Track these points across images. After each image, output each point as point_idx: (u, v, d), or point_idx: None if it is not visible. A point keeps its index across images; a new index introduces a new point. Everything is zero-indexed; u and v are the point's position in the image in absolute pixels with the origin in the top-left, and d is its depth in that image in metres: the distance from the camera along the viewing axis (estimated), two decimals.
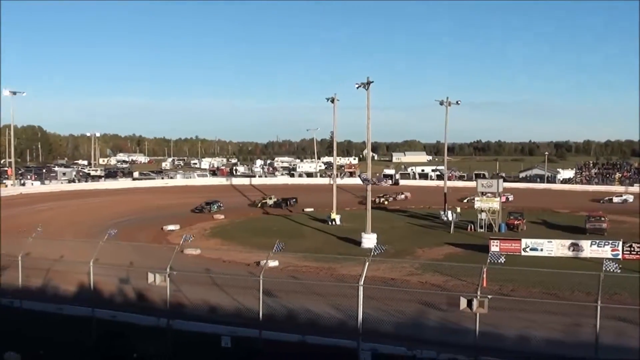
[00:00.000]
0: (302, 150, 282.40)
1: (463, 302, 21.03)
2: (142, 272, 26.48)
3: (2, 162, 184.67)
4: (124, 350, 23.05)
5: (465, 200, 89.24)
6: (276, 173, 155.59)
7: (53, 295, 31.99)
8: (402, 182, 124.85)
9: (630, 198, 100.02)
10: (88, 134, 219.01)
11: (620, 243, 51.82)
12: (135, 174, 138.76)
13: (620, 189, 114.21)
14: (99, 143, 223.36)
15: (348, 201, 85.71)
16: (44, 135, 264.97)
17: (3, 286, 31.61)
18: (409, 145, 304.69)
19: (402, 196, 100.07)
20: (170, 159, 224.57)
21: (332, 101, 79.55)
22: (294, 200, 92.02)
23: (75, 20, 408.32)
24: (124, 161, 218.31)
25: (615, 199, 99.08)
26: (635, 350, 23.81)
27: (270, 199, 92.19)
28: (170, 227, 68.02)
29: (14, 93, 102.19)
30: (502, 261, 25.81)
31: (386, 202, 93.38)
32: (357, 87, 63.63)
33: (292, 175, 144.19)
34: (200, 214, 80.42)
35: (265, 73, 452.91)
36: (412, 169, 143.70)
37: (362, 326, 22.41)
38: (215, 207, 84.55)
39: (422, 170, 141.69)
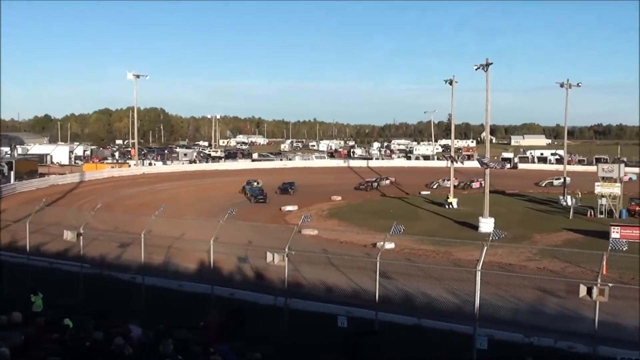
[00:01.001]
0: (419, 132, 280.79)
1: (582, 290, 20.64)
2: (261, 252, 26.98)
3: (125, 143, 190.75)
4: (241, 328, 23.55)
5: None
6: (393, 156, 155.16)
7: (174, 272, 33.00)
8: (521, 165, 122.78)
9: None
10: (209, 116, 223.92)
11: None
12: (255, 156, 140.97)
13: None
14: (219, 125, 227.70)
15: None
16: (166, 117, 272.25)
17: (126, 262, 32.84)
18: (528, 129, 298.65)
19: (387, 182, 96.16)
20: (288, 141, 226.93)
21: (450, 83, 78.86)
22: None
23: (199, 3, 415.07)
24: (244, 143, 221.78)
25: None
26: None
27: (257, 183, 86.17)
28: (288, 208, 68.93)
29: (137, 76, 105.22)
30: (624, 248, 25.13)
31: (368, 190, 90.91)
32: (476, 69, 62.87)
33: (408, 158, 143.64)
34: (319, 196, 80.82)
35: (383, 56, 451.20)
36: (530, 153, 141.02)
37: (479, 312, 22.25)
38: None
39: (541, 154, 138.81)
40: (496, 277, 27.93)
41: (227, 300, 27.15)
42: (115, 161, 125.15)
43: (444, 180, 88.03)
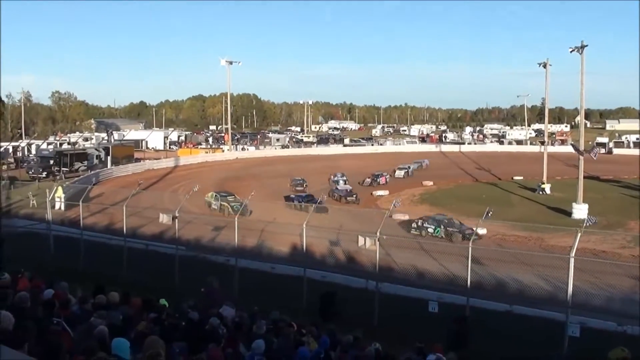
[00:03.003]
0: (512, 117, 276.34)
1: None
2: (352, 236, 27.27)
3: (219, 128, 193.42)
4: (332, 310, 23.87)
5: None
6: (485, 140, 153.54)
7: (267, 255, 33.52)
8: (616, 150, 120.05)
9: None
10: (301, 102, 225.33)
11: None
12: (346, 141, 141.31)
13: None
14: (311, 110, 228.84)
15: (559, 170, 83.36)
16: (258, 103, 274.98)
17: (220, 245, 33.49)
18: (624, 113, 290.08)
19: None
20: (379, 126, 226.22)
21: (544, 66, 77.47)
22: None
23: None
24: (335, 128, 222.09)
25: None
26: None
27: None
28: (380, 193, 68.95)
29: (230, 63, 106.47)
30: None
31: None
32: (571, 52, 61.65)
33: (501, 143, 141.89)
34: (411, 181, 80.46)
35: (475, 38, 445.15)
36: (626, 137, 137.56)
37: (571, 299, 22.06)
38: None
39: (637, 139, 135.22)
40: (589, 264, 27.61)
41: (319, 282, 27.52)
42: (209, 146, 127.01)
43: (378, 177, 79.24)
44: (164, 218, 30.55)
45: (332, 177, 77.35)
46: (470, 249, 23.74)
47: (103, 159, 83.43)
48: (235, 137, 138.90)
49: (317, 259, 31.69)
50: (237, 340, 12.64)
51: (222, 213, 45.89)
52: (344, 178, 75.21)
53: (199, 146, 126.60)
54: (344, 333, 16.23)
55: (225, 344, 12.22)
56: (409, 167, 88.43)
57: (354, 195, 64.33)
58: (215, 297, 19.35)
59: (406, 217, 49.38)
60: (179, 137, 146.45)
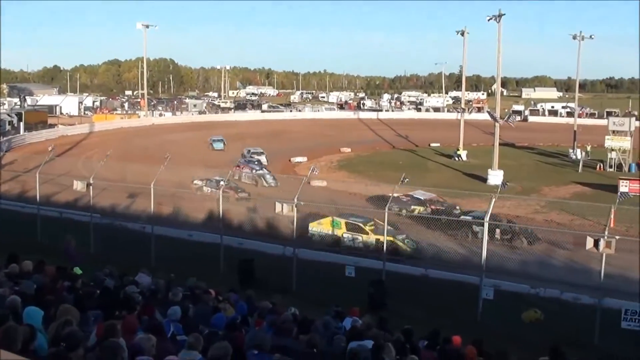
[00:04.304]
0: (430, 84, 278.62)
1: (589, 242, 20.83)
2: (270, 202, 27.19)
3: (135, 94, 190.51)
4: (250, 276, 23.85)
5: None
6: (403, 107, 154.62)
7: (183, 222, 33.24)
8: (532, 118, 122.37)
9: None
10: (218, 67, 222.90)
11: None
12: (264, 107, 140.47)
13: None
14: (229, 76, 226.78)
15: (475, 137, 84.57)
16: (175, 68, 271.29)
17: (136, 212, 33.08)
18: (539, 81, 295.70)
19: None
20: (298, 92, 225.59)
21: (462, 34, 78.33)
22: None
23: None
24: (253, 94, 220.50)
25: None
26: None
27: None
28: (298, 159, 68.80)
29: (147, 26, 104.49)
30: (626, 198, 25.35)
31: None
32: (488, 20, 62.39)
33: (419, 110, 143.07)
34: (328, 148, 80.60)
35: (393, 5, 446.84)
36: (541, 106, 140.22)
37: (486, 263, 22.48)
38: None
39: (552, 107, 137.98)
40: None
41: (237, 249, 27.43)
42: (124, 112, 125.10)
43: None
44: (78, 185, 29.88)
45: (245, 153, 66.21)
46: (386, 214, 23.96)
47: (15, 125, 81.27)
48: (152, 103, 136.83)
49: (234, 226, 31.58)
50: (153, 307, 12.48)
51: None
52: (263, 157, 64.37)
53: (115, 112, 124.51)
54: (262, 299, 16.20)
55: (140, 311, 12.05)
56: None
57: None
58: (71, 254, 19.62)
59: (324, 184, 49.49)
60: (93, 102, 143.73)
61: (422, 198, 41.15)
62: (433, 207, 40.26)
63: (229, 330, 11.52)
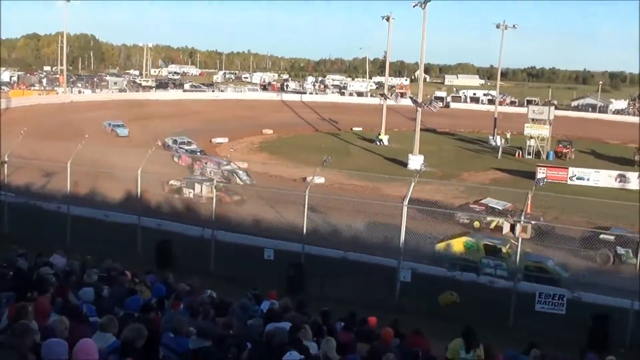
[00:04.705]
0: (354, 69, 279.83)
1: (506, 227, 21.25)
2: (190, 183, 26.93)
3: (54, 69, 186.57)
4: (167, 258, 23.61)
5: None
6: (327, 91, 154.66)
7: (100, 202, 32.66)
8: (453, 105, 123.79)
9: None
10: (140, 44, 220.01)
11: None
12: (186, 86, 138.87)
13: None
14: (151, 54, 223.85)
15: (398, 122, 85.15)
16: (96, 44, 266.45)
17: (51, 192, 32.36)
18: (462, 69, 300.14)
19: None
20: (221, 72, 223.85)
21: (387, 20, 78.73)
22: None
23: None
24: (176, 73, 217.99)
25: None
26: None
27: None
28: (219, 140, 68.20)
29: (68, 0, 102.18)
30: (542, 184, 25.95)
31: None
32: (414, 6, 62.90)
33: (342, 94, 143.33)
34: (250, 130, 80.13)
35: None
36: (463, 93, 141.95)
37: (404, 246, 22.67)
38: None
39: (474, 94, 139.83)
40: (422, 212, 28.38)
41: (155, 230, 27.10)
42: (42, 88, 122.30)
43: None
44: None
45: (170, 143, 59.13)
46: (307, 197, 23.94)
47: None
48: (71, 80, 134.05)
49: (153, 207, 31.17)
50: (67, 289, 12.22)
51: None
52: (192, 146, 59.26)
53: (33, 88, 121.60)
54: (180, 281, 16.03)
55: (54, 293, 11.78)
56: None
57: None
58: None
59: (245, 166, 49.08)
60: (10, 77, 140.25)
61: (500, 208, 35.52)
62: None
63: (145, 313, 11.37)
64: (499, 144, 72.40)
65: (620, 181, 51.93)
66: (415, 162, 56.23)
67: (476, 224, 33.90)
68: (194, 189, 35.45)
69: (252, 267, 22.77)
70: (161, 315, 11.44)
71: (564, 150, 68.16)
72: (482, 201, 36.50)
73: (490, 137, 78.28)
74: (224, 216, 28.97)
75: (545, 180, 45.93)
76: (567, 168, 54.53)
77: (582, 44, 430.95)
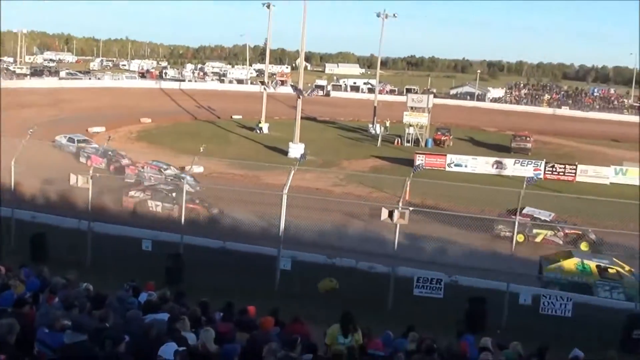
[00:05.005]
0: (234, 56, 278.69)
1: (384, 213, 21.51)
2: (65, 174, 26.26)
3: None
4: (42, 251, 23.00)
5: None
6: (206, 78, 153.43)
7: None
8: (334, 93, 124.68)
9: None
10: (14, 30, 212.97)
11: (543, 163, 53.27)
12: (62, 74, 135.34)
13: (548, 110, 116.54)
14: (26, 40, 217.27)
15: (278, 110, 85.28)
16: None
17: None
18: (343, 57, 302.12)
19: None
20: (98, 60, 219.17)
21: (268, 7, 78.54)
22: None
23: None
24: (51, 60, 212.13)
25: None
26: None
27: None
28: (96, 129, 66.64)
29: None
30: (419, 170, 26.45)
31: None
32: None
33: (222, 81, 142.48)
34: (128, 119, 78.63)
35: None
36: (344, 81, 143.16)
37: (284, 234, 22.76)
38: None
39: (354, 83, 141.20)
40: (303, 200, 28.53)
41: (29, 223, 26.36)
42: None
43: None
44: None
45: (64, 142, 51.22)
46: (185, 186, 23.77)
47: None
48: None
49: (27, 199, 30.28)
50: None
51: None
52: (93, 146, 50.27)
53: None
54: (55, 274, 15.63)
55: None
56: None
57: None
58: None
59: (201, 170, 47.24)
60: None
61: (547, 218, 33.72)
62: (568, 231, 33.58)
63: (18, 308, 11.06)
64: (378, 132, 73.53)
65: (497, 167, 53.70)
66: (296, 150, 56.52)
67: (520, 237, 30.51)
68: (162, 202, 31.57)
69: (130, 259, 22.40)
70: (36, 310, 11.17)
71: (443, 138, 69.71)
72: (524, 211, 31.37)
73: (370, 126, 79.35)
74: (101, 207, 28.38)
75: (423, 166, 46.95)
76: (445, 155, 55.99)
77: (461, 33, 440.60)
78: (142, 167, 41.46)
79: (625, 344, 18.93)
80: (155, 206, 31.66)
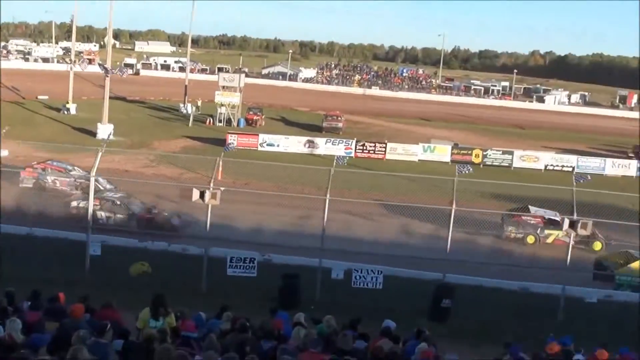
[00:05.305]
0: (40, 33, 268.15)
1: (195, 194, 21.59)
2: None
3: None
4: None
5: None
6: (10, 57, 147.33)
7: None
8: (144, 72, 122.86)
9: None
10: None
11: (354, 142, 54.76)
12: None
13: (359, 90, 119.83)
14: None
15: (86, 90, 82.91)
16: None
17: None
18: (153, 35, 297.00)
19: None
20: None
21: None
22: None
23: None
24: None
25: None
26: (355, 239, 25.69)
27: None
28: None
29: None
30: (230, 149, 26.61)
31: None
32: None
33: (27, 60, 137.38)
34: None
35: None
36: (154, 60, 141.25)
37: (93, 218, 22.41)
38: None
39: (165, 61, 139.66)
40: (113, 183, 28.14)
41: None
42: None
43: None
44: None
45: None
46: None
47: None
48: None
49: None
50: None
51: None
52: None
53: None
54: None
55: None
56: None
57: None
58: None
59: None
60: None
61: (558, 219, 29.66)
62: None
63: None
64: (189, 111, 73.04)
65: (309, 147, 54.72)
66: (104, 131, 55.24)
67: (530, 239, 31.01)
68: (115, 213, 28.10)
69: None
70: None
71: (255, 118, 70.05)
72: (532, 211, 31.16)
73: (182, 105, 78.61)
74: None
75: (234, 146, 47.19)
76: (258, 135, 56.32)
77: (273, 13, 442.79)
78: (43, 169, 34.84)
79: (434, 313, 19.97)
80: (106, 217, 27.70)
